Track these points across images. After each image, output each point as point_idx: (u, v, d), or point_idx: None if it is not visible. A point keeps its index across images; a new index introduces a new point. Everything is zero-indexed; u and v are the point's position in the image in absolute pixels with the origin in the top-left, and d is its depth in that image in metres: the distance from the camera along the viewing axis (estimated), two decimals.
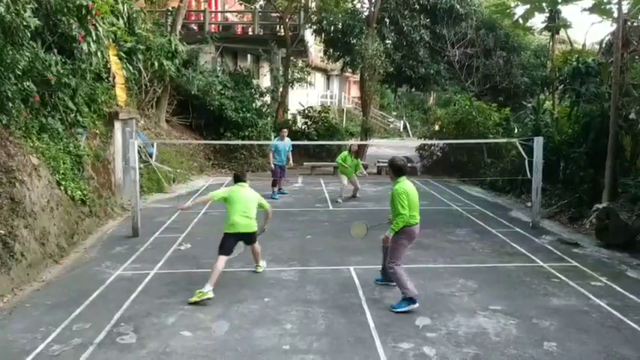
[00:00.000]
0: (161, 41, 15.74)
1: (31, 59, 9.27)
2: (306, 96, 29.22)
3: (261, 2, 30.12)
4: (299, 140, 19.73)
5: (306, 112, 23.42)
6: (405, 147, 23.71)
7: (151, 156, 14.05)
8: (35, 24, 9.04)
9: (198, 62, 19.40)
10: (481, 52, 19.88)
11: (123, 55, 13.12)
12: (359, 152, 20.24)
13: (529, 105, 16.53)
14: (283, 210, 12.13)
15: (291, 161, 14.54)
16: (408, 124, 38.44)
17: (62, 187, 9.33)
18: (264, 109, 21.41)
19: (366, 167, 19.30)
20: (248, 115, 19.58)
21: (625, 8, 11.62)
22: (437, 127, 20.79)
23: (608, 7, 15.45)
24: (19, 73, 8.75)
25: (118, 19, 12.80)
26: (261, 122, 19.87)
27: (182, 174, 16.51)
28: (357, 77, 24.67)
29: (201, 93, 18.74)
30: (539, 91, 19.85)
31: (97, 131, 11.83)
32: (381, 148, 22.84)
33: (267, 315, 6.21)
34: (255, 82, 22.58)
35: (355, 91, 40.91)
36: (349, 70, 24.45)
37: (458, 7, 21.08)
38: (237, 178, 7.56)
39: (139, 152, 11.09)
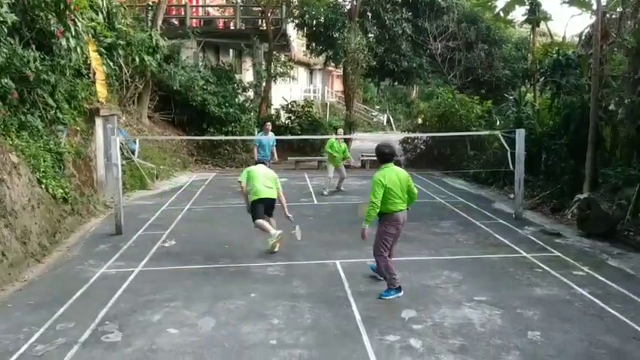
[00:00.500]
0: (142, 36, 15.57)
1: (9, 56, 9.11)
2: (290, 90, 29.15)
3: None
4: (283, 135, 19.68)
5: (290, 106, 23.36)
6: (388, 140, 23.71)
7: (133, 152, 13.93)
8: (12, 19, 8.89)
9: (180, 57, 19.25)
10: (463, 45, 19.99)
11: (103, 50, 12.95)
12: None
13: (511, 97, 16.71)
14: None
15: (275, 156, 14.50)
16: (391, 118, 38.54)
17: (43, 186, 9.21)
18: (247, 104, 21.31)
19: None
20: (231, 110, 19.49)
21: (604, 1, 11.75)
22: (420, 121, 20.88)
23: None
24: None
25: (97, 14, 12.64)
26: (244, 117, 19.79)
27: (165, 170, 16.39)
28: (340, 71, 24.70)
29: (184, 88, 18.60)
30: (521, 84, 20.07)
31: (78, 128, 11.68)
32: (365, 142, 22.85)
33: (253, 310, 6.20)
34: (237, 77, 22.45)
35: (338, 85, 40.90)
36: (332, 64, 24.47)
37: (439, 0, 21.16)
38: (259, 162, 9.57)
39: (120, 149, 10.98)
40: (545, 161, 12.88)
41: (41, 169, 9.33)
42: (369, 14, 21.43)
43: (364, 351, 5.21)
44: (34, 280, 7.33)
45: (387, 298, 6.48)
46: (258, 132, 17.16)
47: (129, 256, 8.40)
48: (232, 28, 23.89)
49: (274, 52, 23.11)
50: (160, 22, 18.15)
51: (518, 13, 21.43)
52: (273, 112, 23.72)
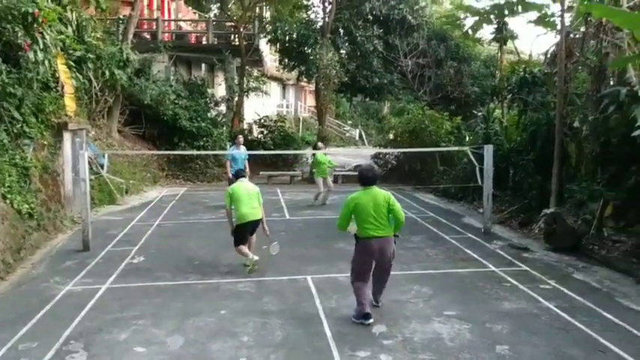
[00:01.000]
0: (112, 50, 15.42)
1: None
2: (262, 105, 29.13)
3: (215, 11, 30.03)
4: (255, 149, 19.66)
5: (262, 121, 23.36)
6: (360, 155, 23.94)
7: (102, 167, 13.71)
8: None
9: (151, 71, 19.09)
10: (433, 62, 20.36)
11: (72, 63, 12.77)
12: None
13: (479, 114, 16.99)
14: None
15: (247, 170, 14.44)
16: (363, 133, 38.82)
17: (8, 201, 8.99)
18: (219, 119, 21.24)
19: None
20: (203, 124, 19.38)
21: (567, 21, 12.12)
22: (391, 136, 21.09)
23: (551, 19, 16.09)
24: None
25: (66, 27, 12.49)
26: (216, 132, 19.69)
27: (135, 185, 16.17)
28: (313, 87, 24.80)
29: (155, 102, 18.42)
30: (489, 101, 20.41)
31: (45, 142, 11.45)
32: (337, 157, 22.94)
33: (223, 328, 6.13)
34: (209, 91, 22.38)
35: (311, 101, 41.06)
36: (305, 79, 24.57)
37: (410, 18, 21.52)
38: (238, 175, 8.96)
39: (89, 163, 10.81)
40: (512, 176, 13.12)
41: (6, 184, 9.12)
42: (341, 31, 21.64)
43: None
44: None
45: (353, 320, 6.27)
46: (230, 146, 17.08)
47: (96, 273, 8.23)
48: (204, 42, 23.84)
49: (247, 67, 23.13)
50: (130, 36, 18.00)
51: (487, 32, 22.14)
52: (245, 126, 23.68)
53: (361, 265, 6.34)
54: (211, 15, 29.59)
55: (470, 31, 18.77)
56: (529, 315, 6.54)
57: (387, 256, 6.32)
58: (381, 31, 21.58)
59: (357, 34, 21.15)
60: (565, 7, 11.88)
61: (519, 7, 16.47)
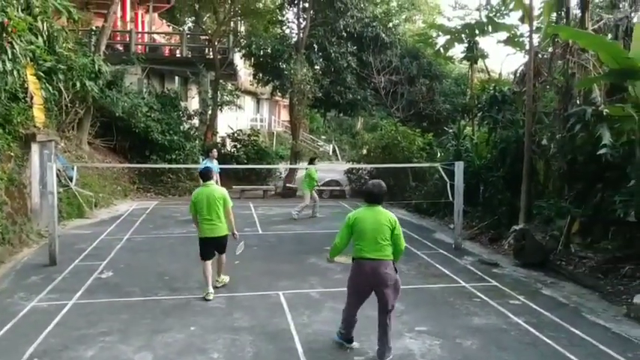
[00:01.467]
0: (84, 61, 15.22)
1: None
2: (236, 119, 29.08)
3: (190, 25, 29.96)
4: (228, 163, 19.55)
5: (236, 135, 23.28)
6: (334, 170, 24.03)
7: (71, 180, 13.45)
8: None
9: (124, 83, 18.88)
10: (405, 79, 20.65)
11: (42, 74, 12.54)
12: (290, 176, 20.38)
13: (450, 131, 17.24)
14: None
15: (218, 183, 14.36)
16: (337, 148, 39.01)
17: None
18: (192, 132, 21.12)
19: (296, 190, 19.45)
20: (175, 137, 19.24)
21: (535, 41, 12.45)
22: (364, 151, 21.22)
23: (520, 39, 16.53)
24: None
25: (37, 37, 12.27)
26: (188, 145, 19.56)
27: (105, 198, 15.90)
28: (287, 101, 24.88)
29: (126, 115, 18.23)
30: (460, 118, 20.75)
31: (12, 154, 11.20)
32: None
33: (193, 344, 6.04)
34: (183, 104, 22.25)
35: (285, 115, 41.15)
36: (279, 94, 24.64)
37: (383, 35, 21.81)
38: (202, 176, 8.03)
39: (58, 176, 10.60)
40: (483, 193, 13.31)
41: None
42: (316, 47, 21.80)
43: None
44: None
45: (335, 339, 6.08)
46: (204, 159, 16.97)
47: (62, 288, 8.04)
48: (178, 55, 23.76)
49: (221, 81, 23.10)
50: (103, 48, 17.83)
51: (458, 51, 22.41)
52: (218, 140, 23.56)
53: (355, 289, 5.75)
54: (185, 28, 29.53)
55: (442, 50, 19.15)
56: (498, 330, 6.61)
57: (383, 284, 5.52)
58: (355, 47, 21.82)
59: (331, 51, 21.34)
60: (533, 29, 12.22)
61: (490, 27, 16.90)
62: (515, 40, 16.92)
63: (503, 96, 13.88)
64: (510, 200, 12.31)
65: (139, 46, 23.01)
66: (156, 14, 28.75)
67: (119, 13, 23.19)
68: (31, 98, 12.01)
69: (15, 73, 10.30)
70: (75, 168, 12.92)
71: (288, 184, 20.45)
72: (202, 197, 7.69)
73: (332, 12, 21.04)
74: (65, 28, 14.69)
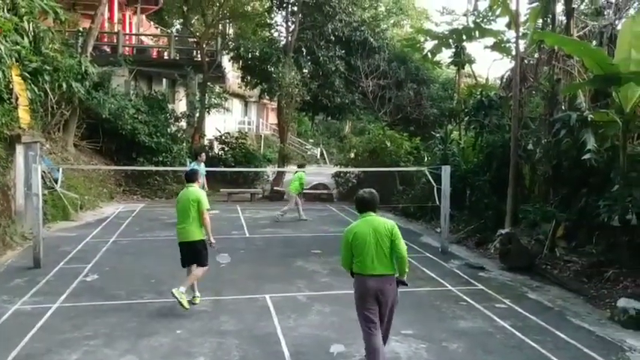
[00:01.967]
0: (70, 62, 15.12)
1: None
2: (224, 122, 29.00)
3: (178, 27, 29.85)
4: (216, 166, 19.49)
5: (224, 137, 23.22)
6: (321, 174, 24.03)
7: (56, 182, 13.33)
8: None
9: (111, 85, 18.78)
10: (393, 83, 20.73)
11: (27, 75, 12.45)
12: (277, 179, 20.35)
13: (438, 135, 17.32)
14: None
15: (205, 186, 14.33)
16: (324, 152, 39.02)
17: None
18: (179, 135, 21.04)
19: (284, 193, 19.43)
20: (162, 140, 19.15)
21: (522, 47, 12.56)
22: (352, 155, 21.28)
23: (507, 45, 16.66)
24: None
25: (22, 38, 12.19)
26: (176, 147, 19.49)
27: (90, 200, 15.77)
28: (275, 104, 24.87)
29: (113, 117, 18.12)
30: (447, 122, 20.85)
31: None
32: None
33: (178, 348, 6.00)
34: (170, 106, 22.15)
35: (273, 118, 41.08)
36: (267, 97, 24.63)
37: (371, 39, 21.90)
38: (185, 178, 7.69)
39: (43, 178, 10.50)
40: (469, 197, 13.39)
41: None
42: (304, 50, 21.84)
43: None
44: None
45: None
46: (191, 162, 16.91)
47: (47, 291, 7.96)
48: (166, 57, 23.68)
49: (209, 83, 23.03)
50: (90, 49, 17.72)
51: (445, 55, 22.53)
52: (206, 142, 23.49)
53: (364, 306, 5.22)
54: (174, 30, 29.42)
55: (429, 55, 19.20)
56: (484, 334, 6.64)
57: (389, 301, 5.24)
58: (343, 52, 21.89)
59: (320, 54, 21.39)
60: (519, 34, 12.33)
61: (477, 33, 16.99)
62: (502, 45, 17.03)
63: (489, 101, 13.99)
64: (496, 204, 12.40)
65: (127, 48, 22.92)
66: (144, 16, 28.63)
67: (106, 15, 23.06)
68: (16, 99, 11.92)
69: (0, 73, 10.21)
70: (60, 170, 12.81)
71: (275, 188, 20.43)
72: (179, 199, 7.44)
73: (320, 16, 21.10)
74: (52, 29, 14.61)
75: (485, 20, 17.80)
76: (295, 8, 21.37)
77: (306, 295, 8.01)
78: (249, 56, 21.13)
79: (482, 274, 9.58)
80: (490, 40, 17.20)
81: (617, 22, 11.41)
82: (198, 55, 22.70)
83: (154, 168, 18.00)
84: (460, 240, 12.39)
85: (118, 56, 20.48)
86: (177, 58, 23.34)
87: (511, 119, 12.18)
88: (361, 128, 28.83)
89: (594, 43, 10.92)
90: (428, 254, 11.03)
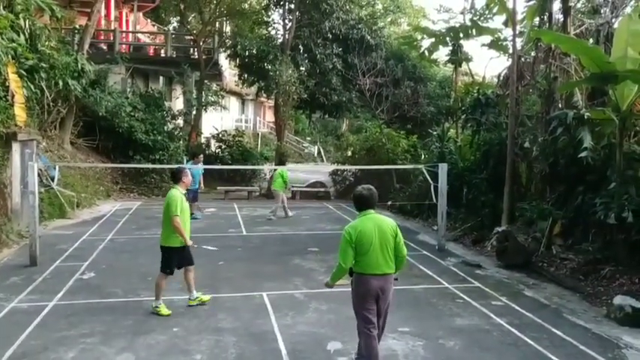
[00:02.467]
0: (67, 60, 15.06)
1: None
2: (221, 120, 28.94)
3: (175, 24, 29.79)
4: (213, 164, 19.47)
5: (220, 135, 23.19)
6: (318, 172, 24.03)
7: (52, 179, 13.31)
8: None
9: (107, 83, 18.73)
10: (390, 81, 20.70)
11: (24, 72, 12.39)
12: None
13: (435, 133, 17.34)
14: (195, 236, 11.81)
15: (202, 185, 14.35)
16: (322, 150, 39.01)
17: None
18: (176, 132, 21.00)
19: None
20: (159, 137, 19.11)
21: (519, 45, 12.59)
22: (349, 153, 21.28)
23: (504, 43, 16.69)
24: None
25: (18, 35, 12.14)
26: (172, 145, 19.45)
27: (87, 198, 15.73)
28: (272, 102, 24.84)
29: (110, 114, 18.07)
30: (444, 120, 20.87)
31: None
32: (296, 173, 22.98)
33: (175, 345, 6.00)
34: (167, 104, 22.10)
35: (270, 116, 41.02)
36: (264, 95, 24.59)
37: (368, 37, 21.87)
38: (171, 176, 7.57)
39: (39, 175, 10.47)
40: (466, 195, 13.40)
41: None
42: (301, 48, 21.79)
43: None
44: None
45: None
46: (187, 161, 16.91)
47: (43, 289, 7.94)
48: (163, 55, 23.62)
49: (206, 81, 22.99)
50: (86, 46, 17.67)
51: (442, 54, 22.46)
52: (203, 140, 23.46)
53: (364, 307, 5.16)
54: (170, 28, 29.36)
55: (426, 53, 19.25)
56: (481, 331, 6.66)
57: (387, 299, 5.27)
58: (341, 49, 21.85)
59: (317, 52, 21.34)
60: (517, 32, 12.36)
61: (474, 31, 17.03)
62: (499, 43, 17.09)
63: (486, 99, 14.01)
64: (493, 202, 12.42)
65: (123, 46, 22.84)
66: (140, 13, 28.55)
67: (103, 12, 22.99)
68: (13, 97, 11.86)
69: None
70: (57, 168, 12.81)
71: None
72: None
73: (317, 13, 21.05)
74: (48, 26, 14.57)
75: (482, 18, 17.85)
76: (292, 6, 21.34)
77: (303, 293, 8.01)
78: (246, 54, 21.07)
79: (478, 272, 9.59)
80: (487, 38, 17.25)
81: (613, 20, 11.43)
82: (195, 53, 22.67)
83: (150, 166, 17.97)
84: (457, 238, 12.41)
85: (114, 54, 20.42)
86: (174, 55, 23.28)
87: (508, 117, 12.20)
88: (358, 126, 28.84)
89: (591, 41, 10.93)
90: (425, 252, 11.04)
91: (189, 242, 7.09)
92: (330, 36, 21.58)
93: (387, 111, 19.88)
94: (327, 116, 27.58)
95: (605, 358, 5.89)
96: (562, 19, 11.41)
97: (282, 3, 21.94)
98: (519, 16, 12.59)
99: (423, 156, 17.89)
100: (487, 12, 17.40)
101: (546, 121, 10.74)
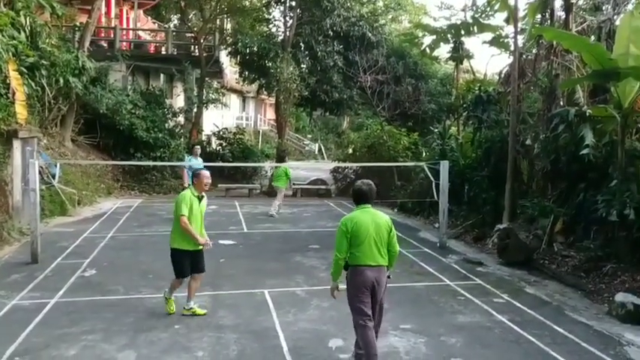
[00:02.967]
0: (67, 57, 15.04)
1: None
2: (222, 117, 28.94)
3: (175, 22, 29.76)
4: (213, 162, 19.45)
5: (221, 133, 23.18)
6: (319, 169, 24.02)
7: (53, 177, 13.31)
8: None
9: (108, 80, 18.72)
10: (391, 78, 20.66)
11: (24, 70, 12.38)
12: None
13: (436, 130, 17.31)
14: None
15: None
16: (322, 147, 38.99)
17: None
18: (177, 130, 20.99)
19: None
20: (160, 135, 19.10)
21: (520, 42, 12.55)
22: (350, 151, 21.27)
23: (505, 40, 16.66)
24: None
25: (19, 33, 12.13)
26: (173, 143, 19.45)
27: (88, 196, 15.74)
28: (273, 100, 24.83)
29: (111, 112, 18.07)
30: (445, 118, 20.83)
31: None
32: (296, 170, 22.98)
33: (177, 343, 6.00)
34: (168, 101, 22.09)
35: (271, 114, 41.00)
36: (265, 92, 24.56)
37: (369, 34, 21.82)
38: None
39: (40, 173, 10.47)
40: (467, 192, 13.38)
41: None
42: (302, 45, 21.76)
43: None
44: None
45: None
46: (188, 157, 16.89)
47: (45, 287, 7.94)
48: (164, 52, 23.58)
49: (206, 79, 22.96)
50: (87, 44, 17.64)
51: (444, 51, 22.47)
52: (204, 138, 23.45)
53: (359, 299, 5.19)
54: (171, 25, 29.32)
55: (428, 50, 19.22)
56: (483, 328, 6.66)
57: (382, 291, 5.32)
58: (342, 46, 21.81)
59: (318, 49, 21.31)
60: (518, 30, 12.32)
61: (475, 28, 16.98)
62: (500, 40, 17.06)
63: (488, 96, 13.98)
64: (495, 199, 12.40)
65: (124, 43, 22.81)
66: (141, 11, 28.50)
67: (103, 9, 22.95)
68: (13, 94, 11.86)
69: None
70: (58, 165, 12.80)
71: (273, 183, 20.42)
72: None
73: (319, 11, 21.00)
74: (48, 24, 14.55)
75: (483, 15, 17.81)
76: (293, 3, 21.28)
77: (304, 290, 8.01)
78: (247, 51, 21.03)
79: (480, 269, 9.59)
80: (488, 36, 17.22)
81: (615, 17, 11.39)
82: (196, 51, 22.62)
83: (151, 163, 17.96)
84: (458, 235, 12.40)
85: (115, 51, 20.38)
86: (175, 53, 23.24)
87: (509, 114, 12.17)
88: (359, 124, 28.79)
89: (593, 38, 10.92)
90: (426, 249, 11.04)
91: (202, 241, 6.70)
92: (331, 33, 21.53)
93: (388, 108, 19.85)
94: (327, 114, 27.55)
95: (606, 355, 5.89)
96: (564, 16, 11.38)
97: (282, 0, 21.91)
98: (521, 13, 12.55)
99: (424, 153, 17.86)
100: (488, 9, 17.37)
101: (548, 118, 10.71)
